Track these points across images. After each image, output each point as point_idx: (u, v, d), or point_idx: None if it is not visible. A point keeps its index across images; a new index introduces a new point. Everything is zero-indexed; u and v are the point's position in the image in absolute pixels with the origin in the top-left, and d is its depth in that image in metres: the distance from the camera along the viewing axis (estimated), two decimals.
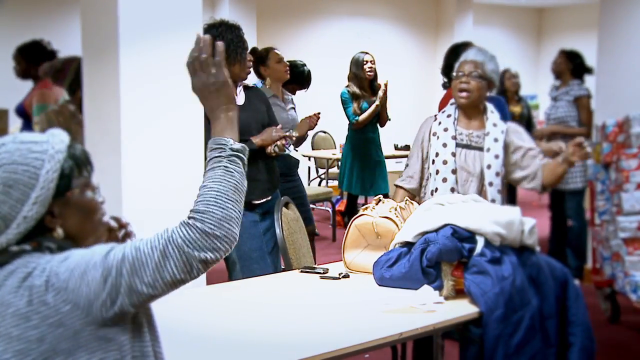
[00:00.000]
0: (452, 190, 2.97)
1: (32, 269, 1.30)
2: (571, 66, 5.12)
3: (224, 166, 1.39)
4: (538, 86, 11.27)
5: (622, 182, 3.88)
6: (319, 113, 4.07)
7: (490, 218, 2.38)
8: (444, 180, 2.99)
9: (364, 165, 5.75)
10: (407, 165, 3.19)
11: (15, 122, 4.70)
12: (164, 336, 1.49)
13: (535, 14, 12.38)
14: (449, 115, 3.12)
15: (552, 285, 2.36)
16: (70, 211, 1.37)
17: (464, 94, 3.05)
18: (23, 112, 4.63)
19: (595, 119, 4.69)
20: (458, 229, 2.36)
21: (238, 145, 1.42)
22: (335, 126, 8.60)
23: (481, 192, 2.99)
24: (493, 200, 2.97)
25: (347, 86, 5.62)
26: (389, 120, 5.70)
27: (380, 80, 5.54)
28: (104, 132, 3.00)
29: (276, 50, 4.52)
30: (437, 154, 3.04)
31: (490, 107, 3.17)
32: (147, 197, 2.96)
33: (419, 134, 3.18)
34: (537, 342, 2.21)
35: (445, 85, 4.56)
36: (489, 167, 2.99)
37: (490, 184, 2.99)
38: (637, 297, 3.81)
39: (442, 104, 4.27)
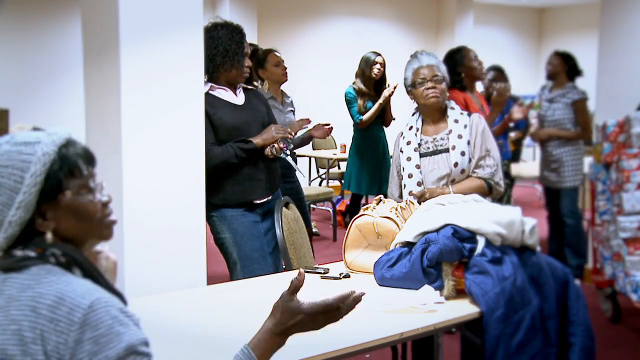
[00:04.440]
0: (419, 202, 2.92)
1: (52, 296, 1.23)
2: (566, 68, 5.11)
3: None
4: (538, 86, 11.27)
5: (623, 182, 3.88)
6: (330, 125, 4.05)
7: (491, 218, 2.38)
8: (410, 194, 2.99)
9: (371, 165, 5.71)
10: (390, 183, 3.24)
11: (15, 122, 4.68)
12: (165, 336, 1.49)
13: (536, 14, 12.37)
14: (410, 128, 3.13)
15: (553, 285, 2.36)
16: (63, 214, 1.32)
17: (433, 94, 3.02)
18: None
19: (596, 119, 4.69)
20: (459, 229, 2.36)
21: None
22: (336, 126, 8.60)
23: None
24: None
25: (353, 83, 5.58)
26: (394, 119, 5.69)
27: (391, 83, 5.53)
28: (104, 132, 3.00)
29: (276, 53, 4.49)
30: (404, 169, 3.07)
31: (450, 104, 3.15)
32: (148, 197, 2.96)
33: (394, 153, 3.21)
34: (537, 342, 2.20)
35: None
36: (455, 164, 2.99)
37: (453, 181, 2.99)
38: (637, 297, 3.81)
39: None
